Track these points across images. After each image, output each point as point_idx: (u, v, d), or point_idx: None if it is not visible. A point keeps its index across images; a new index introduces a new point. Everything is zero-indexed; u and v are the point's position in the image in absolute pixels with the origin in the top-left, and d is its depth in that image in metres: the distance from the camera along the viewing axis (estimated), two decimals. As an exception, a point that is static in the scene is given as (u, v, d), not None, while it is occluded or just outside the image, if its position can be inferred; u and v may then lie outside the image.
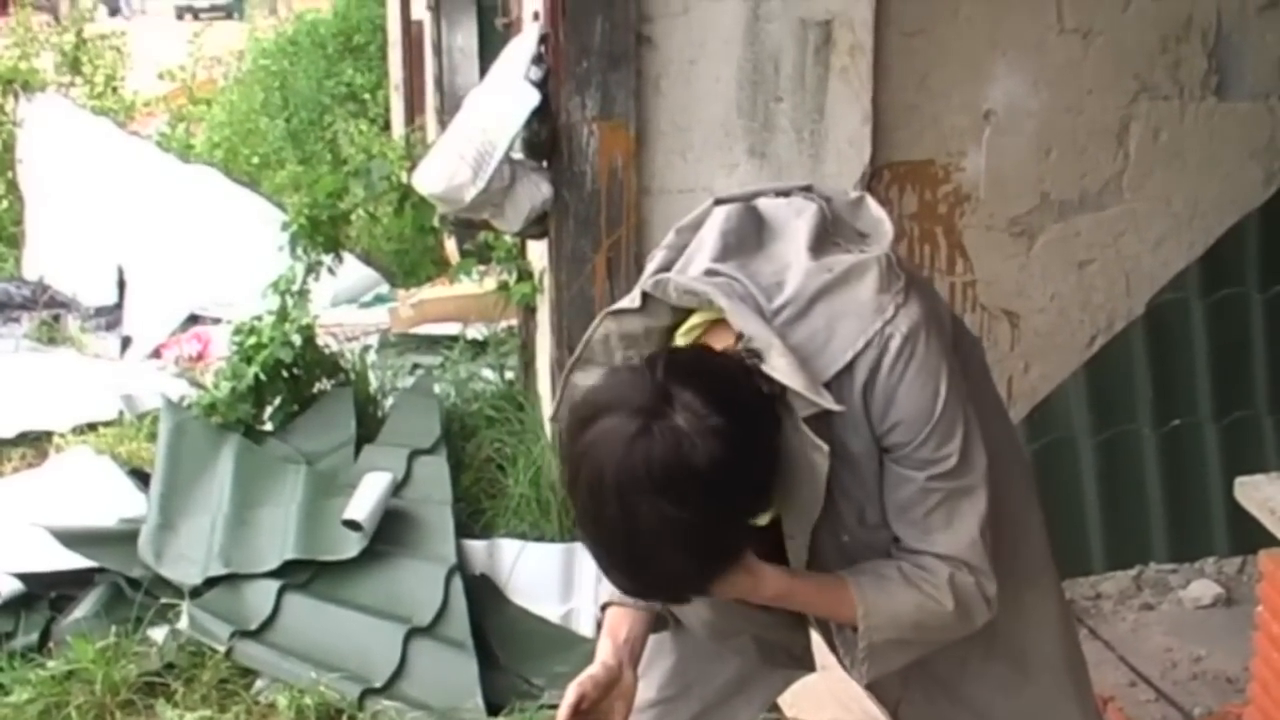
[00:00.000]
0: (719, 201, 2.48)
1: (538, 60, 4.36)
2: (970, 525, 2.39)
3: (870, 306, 2.24)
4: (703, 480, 2.04)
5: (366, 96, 10.80)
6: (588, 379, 2.26)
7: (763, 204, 2.44)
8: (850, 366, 2.23)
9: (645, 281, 2.28)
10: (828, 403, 2.17)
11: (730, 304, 2.20)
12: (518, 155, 4.40)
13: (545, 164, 4.45)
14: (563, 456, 2.25)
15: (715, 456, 2.04)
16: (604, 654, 2.50)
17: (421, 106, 8.64)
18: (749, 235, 2.35)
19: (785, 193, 2.49)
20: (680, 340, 2.29)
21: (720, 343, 2.23)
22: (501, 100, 4.33)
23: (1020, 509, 2.67)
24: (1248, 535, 4.17)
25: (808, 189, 2.50)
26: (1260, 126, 4.95)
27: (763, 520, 2.36)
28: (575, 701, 2.42)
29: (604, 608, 2.62)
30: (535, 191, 4.40)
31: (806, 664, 2.74)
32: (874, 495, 2.39)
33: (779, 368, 2.16)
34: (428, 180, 4.41)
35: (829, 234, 2.36)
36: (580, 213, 4.42)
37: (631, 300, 2.29)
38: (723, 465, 2.04)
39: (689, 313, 2.29)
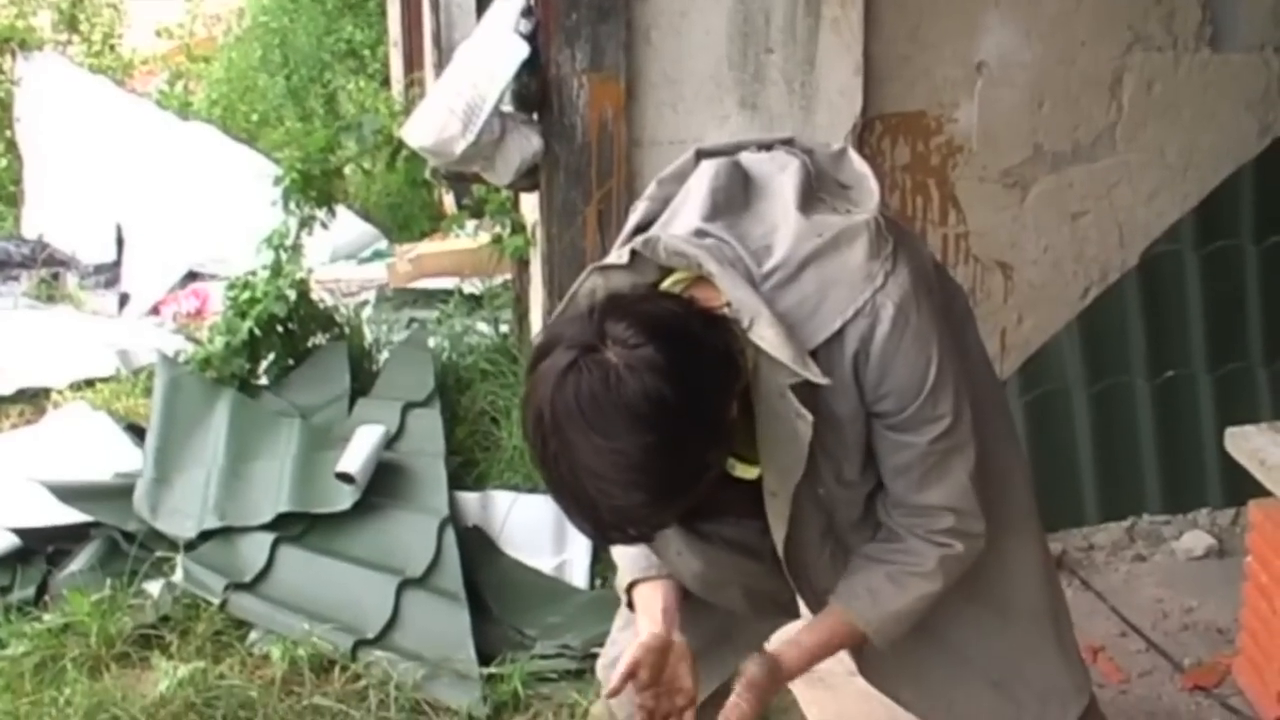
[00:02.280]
0: (700, 153, 2.49)
1: (527, 13, 4.34)
2: (961, 476, 2.43)
3: (860, 274, 2.25)
4: (632, 412, 2.04)
5: (366, 53, 10.77)
6: None
7: (747, 159, 2.44)
8: (840, 334, 2.25)
9: (635, 240, 2.28)
10: (815, 376, 2.19)
11: (720, 269, 2.20)
12: (507, 108, 4.38)
13: (535, 116, 4.44)
14: (520, 407, 2.27)
15: (647, 388, 2.05)
16: (648, 629, 2.52)
17: (420, 62, 8.60)
18: (736, 193, 2.35)
19: (767, 146, 2.50)
20: None
21: (706, 302, 2.23)
22: (491, 53, 4.31)
23: (1002, 456, 2.69)
24: (1241, 487, 4.18)
25: (789, 142, 2.50)
26: (1255, 78, 4.93)
27: (750, 474, 2.38)
28: (631, 667, 2.44)
29: (629, 591, 2.63)
30: (525, 144, 4.39)
31: (793, 612, 2.77)
32: (853, 454, 2.41)
33: (766, 338, 2.17)
34: (417, 133, 4.40)
35: (814, 190, 2.37)
36: (571, 165, 4.41)
37: (619, 257, 2.29)
38: (655, 399, 2.05)
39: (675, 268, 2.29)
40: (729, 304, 2.20)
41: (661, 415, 2.06)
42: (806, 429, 2.26)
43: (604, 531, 2.20)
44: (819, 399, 2.24)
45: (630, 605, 2.65)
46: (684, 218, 2.33)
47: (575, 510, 2.15)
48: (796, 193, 2.33)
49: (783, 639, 2.63)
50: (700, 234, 2.27)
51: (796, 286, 2.24)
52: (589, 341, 2.09)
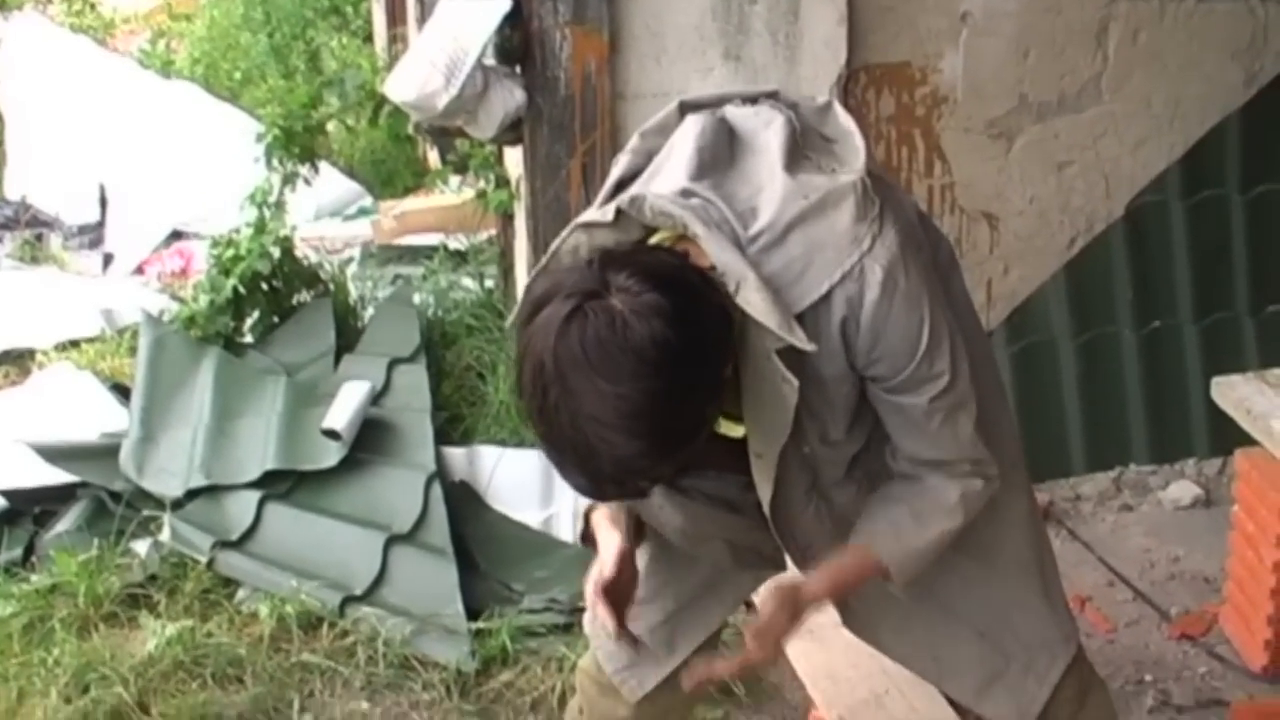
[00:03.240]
0: (684, 105, 2.47)
1: (509, -35, 4.31)
2: (967, 429, 2.44)
3: (847, 237, 2.24)
4: (639, 356, 2.03)
5: (348, 9, 10.69)
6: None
7: (732, 114, 2.42)
8: (827, 297, 2.23)
9: (620, 198, 2.26)
10: (801, 342, 2.17)
11: (706, 232, 2.19)
12: (490, 61, 4.36)
13: (518, 70, 4.42)
14: (514, 362, 2.26)
15: (654, 333, 2.03)
16: (612, 543, 2.56)
17: (403, 17, 8.54)
18: (722, 150, 2.33)
19: (752, 99, 2.48)
20: None
21: (694, 260, 2.22)
22: (473, 7, 4.28)
23: (990, 406, 2.68)
24: (1227, 436, 4.20)
25: (774, 95, 2.48)
26: (1241, 27, 4.91)
27: (736, 433, 2.37)
28: (615, 571, 2.51)
29: (587, 518, 2.63)
30: (509, 98, 4.36)
31: (778, 563, 2.76)
32: (839, 416, 2.41)
33: (753, 302, 2.15)
34: (400, 88, 4.37)
35: (799, 147, 2.35)
36: (554, 118, 4.39)
37: (604, 214, 2.27)
38: (661, 343, 2.03)
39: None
40: (713, 267, 2.19)
41: (667, 361, 2.04)
42: (792, 393, 2.26)
43: (600, 485, 2.17)
44: (805, 362, 2.23)
45: (585, 537, 2.65)
46: (669, 175, 2.31)
47: (573, 463, 2.12)
48: (782, 151, 2.31)
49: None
50: (686, 193, 2.25)
51: (783, 250, 2.23)
52: (592, 289, 2.08)
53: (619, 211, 2.24)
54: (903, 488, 2.48)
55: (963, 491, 2.45)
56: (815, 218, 2.24)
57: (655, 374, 2.04)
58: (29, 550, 4.61)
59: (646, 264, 2.13)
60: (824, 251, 2.23)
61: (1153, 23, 4.79)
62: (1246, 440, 3.87)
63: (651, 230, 2.26)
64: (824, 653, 3.57)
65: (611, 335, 2.03)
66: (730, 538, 2.65)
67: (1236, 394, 3.85)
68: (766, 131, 2.35)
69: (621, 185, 2.40)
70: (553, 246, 2.33)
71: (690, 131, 2.35)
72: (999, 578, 2.71)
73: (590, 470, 2.12)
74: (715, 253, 2.17)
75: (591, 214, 2.32)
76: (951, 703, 3.32)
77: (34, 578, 4.39)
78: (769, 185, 2.27)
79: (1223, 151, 4.96)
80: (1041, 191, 4.82)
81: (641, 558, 2.79)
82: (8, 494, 4.72)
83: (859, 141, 2.40)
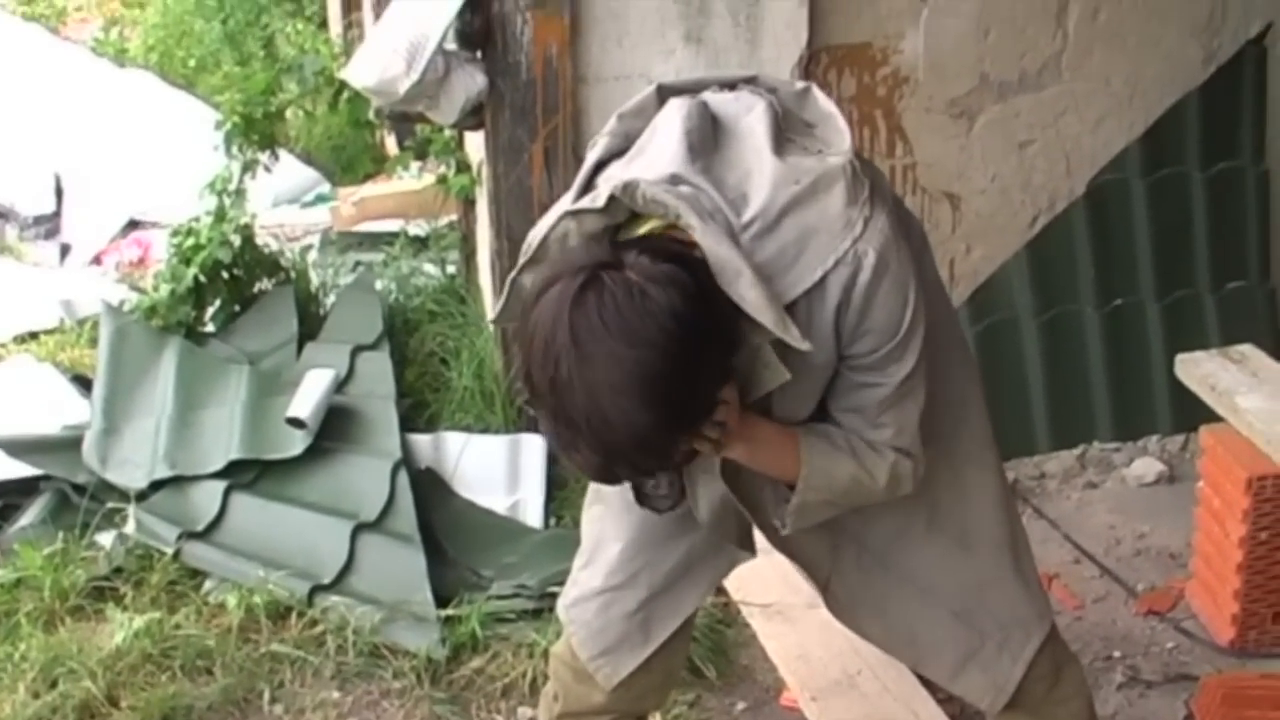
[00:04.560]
0: (662, 90, 2.46)
1: (469, -51, 4.30)
2: (912, 418, 2.44)
3: (840, 221, 2.24)
4: (658, 323, 2.02)
5: (303, -5, 10.67)
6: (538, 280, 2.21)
7: (712, 99, 2.41)
8: (821, 283, 2.24)
9: (614, 185, 2.23)
10: (795, 341, 2.17)
11: (701, 224, 2.17)
12: (451, 46, 4.34)
13: (479, 54, 4.40)
14: (519, 347, 2.22)
15: (673, 302, 2.03)
16: None
17: (358, 3, 8.50)
18: (707, 135, 2.32)
19: (730, 85, 2.47)
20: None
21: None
22: (434, -10, 4.27)
23: (960, 387, 2.70)
24: (1190, 413, 4.24)
25: (752, 80, 2.48)
26: (1199, 5, 4.93)
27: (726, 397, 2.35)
28: None
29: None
30: (470, 82, 4.35)
31: (748, 546, 2.77)
32: (812, 399, 2.42)
33: (748, 299, 2.15)
34: (361, 73, 4.35)
35: (782, 131, 2.34)
36: (516, 102, 4.38)
37: (594, 200, 2.25)
38: (680, 313, 2.03)
39: None
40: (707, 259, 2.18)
41: (685, 331, 2.03)
42: (776, 380, 2.26)
43: (612, 462, 2.13)
44: (793, 351, 2.23)
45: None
46: (655, 159, 2.29)
47: (585, 439, 2.08)
48: (768, 135, 2.31)
49: None
50: (675, 179, 2.23)
51: (776, 236, 2.22)
52: (606, 260, 2.07)
53: (611, 198, 2.22)
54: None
55: (897, 459, 2.44)
56: (807, 202, 2.23)
57: (673, 342, 2.03)
58: (-9, 547, 4.57)
59: (655, 244, 2.13)
60: (817, 237, 2.23)
61: (1112, 1, 4.80)
62: (1209, 416, 3.90)
63: (635, 215, 2.24)
64: (796, 634, 3.58)
65: (630, 302, 2.02)
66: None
67: (1200, 370, 3.88)
68: (749, 116, 2.35)
69: (600, 167, 2.39)
70: (535, 235, 2.31)
71: (675, 115, 2.34)
72: (973, 557, 2.72)
73: (603, 445, 2.08)
74: (710, 245, 2.15)
75: (579, 201, 2.30)
76: (924, 681, 3.34)
77: (1, 573, 4.36)
78: (757, 170, 2.26)
79: (1182, 129, 4.98)
80: (1003, 170, 4.82)
81: (616, 545, 2.80)
82: (-30, 488, 4.67)
83: (842, 124, 2.39)
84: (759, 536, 2.76)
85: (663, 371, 2.02)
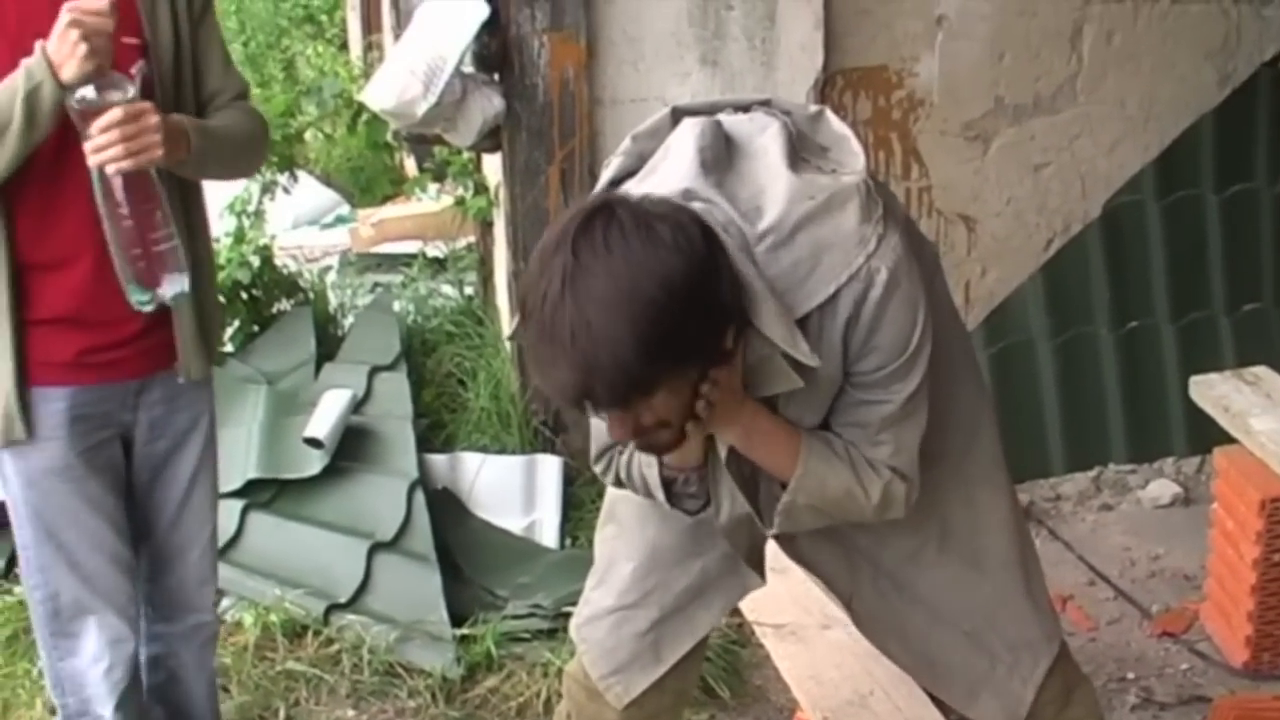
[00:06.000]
0: (677, 111, 2.47)
1: (487, -27, 4.33)
2: (912, 440, 2.44)
3: (854, 238, 2.25)
4: (658, 255, 2.03)
5: (323, 18, 10.70)
6: None
7: (726, 120, 2.42)
8: (834, 298, 2.24)
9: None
10: (804, 356, 2.19)
11: None
12: (469, 69, 4.37)
13: (496, 77, 4.43)
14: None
15: (677, 240, 2.05)
16: None
17: (378, 25, 8.55)
18: (721, 153, 2.33)
19: (744, 107, 2.48)
20: None
21: None
22: (451, 14, 4.30)
23: (972, 410, 2.70)
24: (1206, 435, 4.24)
25: (766, 103, 2.49)
26: (1214, 27, 4.94)
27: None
28: None
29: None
30: (487, 105, 4.38)
31: (759, 561, 2.78)
32: (820, 409, 2.42)
33: (763, 316, 2.17)
34: (379, 96, 4.38)
35: (796, 150, 2.35)
36: (533, 125, 4.41)
37: None
38: (681, 250, 2.05)
39: None
40: None
41: (685, 267, 2.04)
42: (786, 384, 2.28)
43: (588, 385, 2.06)
44: (802, 364, 2.24)
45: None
46: (668, 176, 2.30)
47: (565, 356, 2.04)
48: (782, 153, 2.31)
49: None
50: (687, 194, 2.24)
51: (790, 250, 2.23)
52: (620, 196, 2.12)
53: None
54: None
55: (892, 479, 2.44)
56: (821, 218, 2.25)
57: (671, 274, 2.03)
58: (11, 562, 4.58)
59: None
60: (831, 252, 2.24)
61: (1127, 24, 4.82)
62: (1224, 438, 3.90)
63: None
64: (808, 654, 3.58)
65: (636, 230, 2.03)
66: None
67: (1215, 392, 3.88)
68: (763, 136, 2.36)
69: (613, 186, 2.40)
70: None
71: (689, 133, 2.35)
72: (984, 578, 2.72)
73: (584, 362, 2.04)
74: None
75: None
76: (936, 701, 3.34)
77: (17, 589, 4.36)
78: (771, 185, 2.27)
79: (1197, 152, 5.00)
80: (1018, 193, 4.84)
81: (628, 564, 2.81)
82: (-12, 506, 4.69)
83: (855, 145, 2.40)
84: (778, 554, 2.77)
85: (656, 299, 2.01)
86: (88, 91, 2.62)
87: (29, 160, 2.70)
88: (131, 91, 2.65)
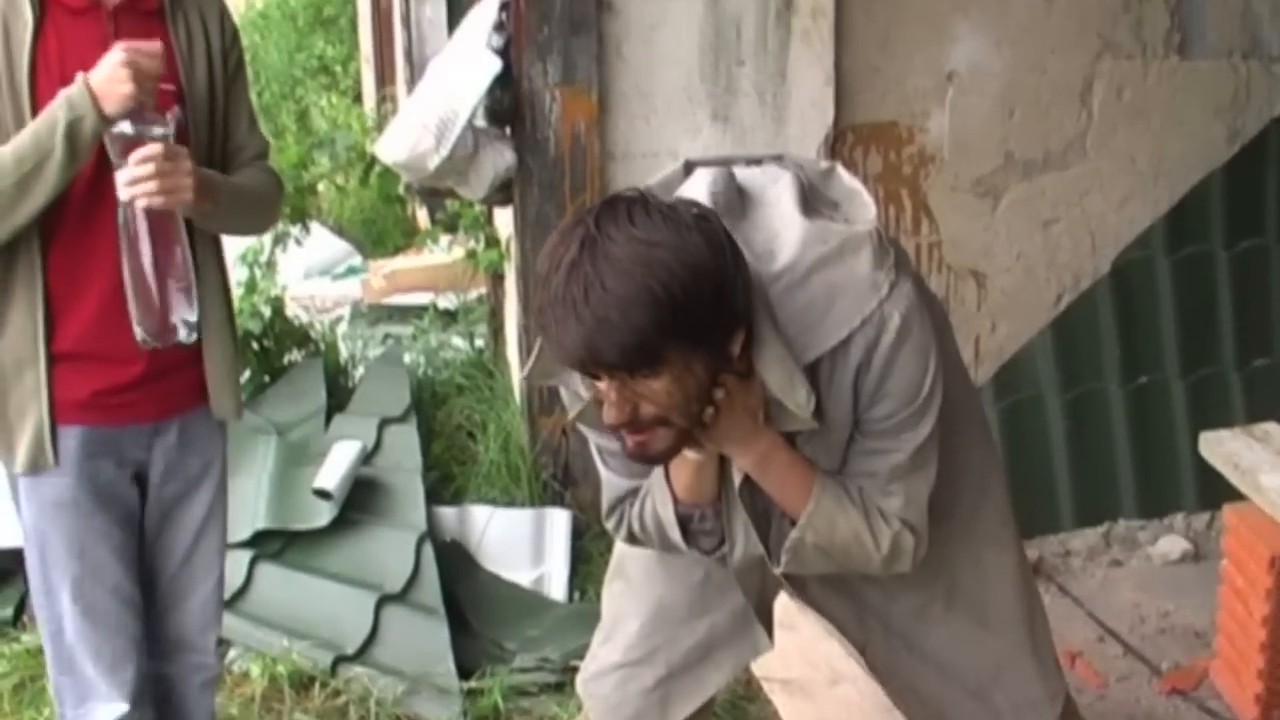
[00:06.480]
0: (689, 165, 2.49)
1: (499, 27, 4.35)
2: (922, 493, 2.44)
3: (867, 283, 2.26)
4: (680, 238, 2.05)
5: (338, 69, 10.78)
6: None
7: (738, 172, 2.44)
8: (846, 342, 2.25)
9: None
10: (798, 406, 2.23)
11: None
12: (481, 123, 4.39)
13: (508, 131, 4.46)
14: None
15: (701, 230, 2.08)
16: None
17: (392, 78, 8.61)
18: (734, 201, 2.35)
19: (756, 161, 2.50)
20: None
21: None
22: (464, 68, 4.32)
23: (980, 466, 2.70)
24: (1216, 491, 4.22)
25: (779, 158, 2.50)
26: (1223, 84, 4.96)
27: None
28: None
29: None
30: (499, 158, 4.40)
31: (768, 614, 2.77)
32: (835, 455, 2.41)
33: (765, 358, 2.18)
34: (391, 149, 4.40)
35: (809, 201, 2.37)
36: (544, 179, 4.43)
37: None
38: (706, 235, 2.08)
39: None
40: None
41: (706, 255, 2.06)
42: (801, 424, 2.28)
43: (597, 338, 2.05)
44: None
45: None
46: None
47: (575, 316, 2.04)
48: (795, 201, 2.34)
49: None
50: None
51: (805, 291, 2.25)
52: (637, 188, 2.16)
53: None
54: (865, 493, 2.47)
55: (901, 530, 2.44)
56: (835, 262, 2.26)
57: (691, 258, 2.04)
58: (19, 609, 4.58)
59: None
60: (845, 296, 2.25)
61: (1136, 80, 4.84)
62: (1234, 495, 3.90)
63: None
64: (816, 710, 3.58)
65: (661, 214, 2.06)
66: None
67: (1224, 449, 3.88)
68: (776, 186, 2.38)
69: None
70: None
71: (701, 183, 2.37)
72: (991, 636, 2.72)
73: (595, 321, 2.03)
74: None
75: None
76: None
77: (25, 637, 4.37)
78: (785, 231, 2.29)
79: (1207, 207, 5.01)
80: (1028, 248, 4.85)
81: (635, 621, 2.80)
82: (-3, 554, 4.69)
83: (867, 198, 2.42)
84: (787, 610, 2.77)
85: (674, 271, 2.02)
86: (129, 125, 2.64)
87: (64, 194, 2.72)
88: (169, 130, 2.68)
